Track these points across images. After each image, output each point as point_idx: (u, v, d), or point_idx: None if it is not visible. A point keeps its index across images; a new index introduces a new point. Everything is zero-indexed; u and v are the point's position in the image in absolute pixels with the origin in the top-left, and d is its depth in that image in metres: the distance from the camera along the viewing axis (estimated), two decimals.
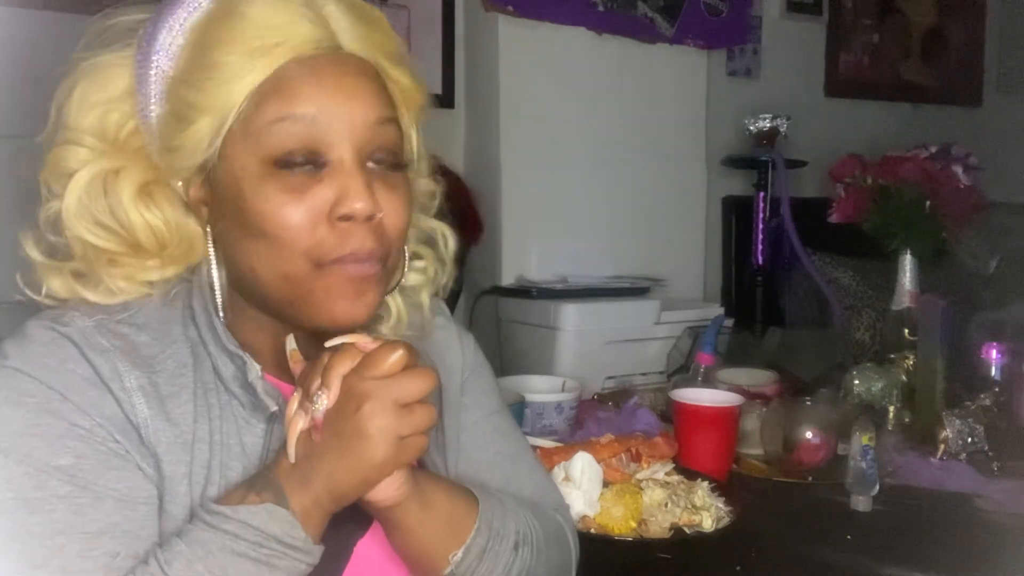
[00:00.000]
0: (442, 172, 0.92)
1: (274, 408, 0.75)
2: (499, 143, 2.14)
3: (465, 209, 1.83)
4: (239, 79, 0.71)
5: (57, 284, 0.77)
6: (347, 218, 0.72)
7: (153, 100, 0.76)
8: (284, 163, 0.71)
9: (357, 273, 0.73)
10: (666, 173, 2.40)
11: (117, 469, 0.69)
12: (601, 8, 2.22)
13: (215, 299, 0.76)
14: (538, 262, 2.18)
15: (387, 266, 0.77)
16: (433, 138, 0.88)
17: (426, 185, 0.90)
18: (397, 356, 0.68)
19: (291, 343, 0.76)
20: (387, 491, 0.72)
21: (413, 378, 0.69)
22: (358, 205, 0.71)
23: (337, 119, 0.72)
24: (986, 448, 1.47)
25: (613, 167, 2.29)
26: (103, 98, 0.77)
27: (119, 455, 0.70)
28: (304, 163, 0.71)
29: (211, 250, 0.77)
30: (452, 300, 1.84)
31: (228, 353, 0.75)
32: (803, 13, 2.74)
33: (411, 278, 0.88)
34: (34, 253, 0.77)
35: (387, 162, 0.75)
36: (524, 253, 2.18)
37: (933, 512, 1.31)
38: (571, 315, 1.92)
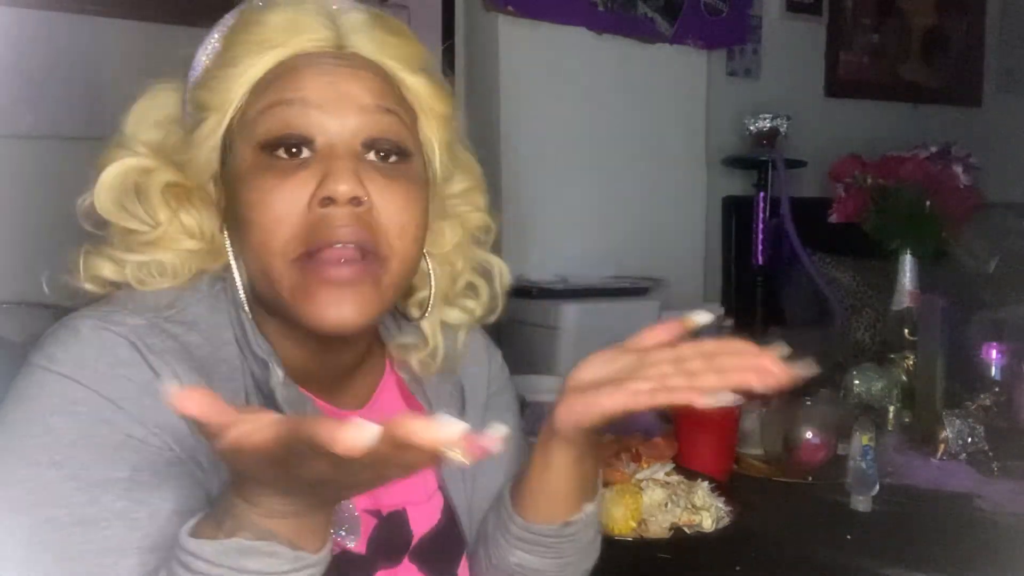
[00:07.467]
0: None
1: None
2: (499, 143, 2.14)
3: None
4: (241, 75, 0.71)
5: (108, 269, 0.73)
6: (328, 201, 0.67)
7: (188, 116, 0.76)
8: (271, 147, 0.69)
9: (336, 276, 0.68)
10: (666, 173, 2.40)
11: (175, 478, 0.65)
12: (601, 8, 2.22)
13: (241, 299, 0.74)
14: (538, 262, 2.18)
15: (386, 267, 0.71)
16: None
17: (481, 219, 0.87)
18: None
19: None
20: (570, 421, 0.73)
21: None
22: (341, 187, 0.67)
23: (328, 103, 0.70)
24: (986, 448, 1.46)
25: (613, 167, 2.30)
26: (159, 117, 0.77)
27: (175, 464, 0.65)
28: (291, 147, 0.69)
29: (230, 251, 0.74)
30: None
31: (255, 357, 0.73)
32: (803, 13, 2.75)
33: (452, 315, 0.85)
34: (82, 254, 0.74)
35: (389, 153, 0.72)
36: (524, 253, 2.18)
37: (933, 512, 1.31)
38: (571, 315, 1.92)
